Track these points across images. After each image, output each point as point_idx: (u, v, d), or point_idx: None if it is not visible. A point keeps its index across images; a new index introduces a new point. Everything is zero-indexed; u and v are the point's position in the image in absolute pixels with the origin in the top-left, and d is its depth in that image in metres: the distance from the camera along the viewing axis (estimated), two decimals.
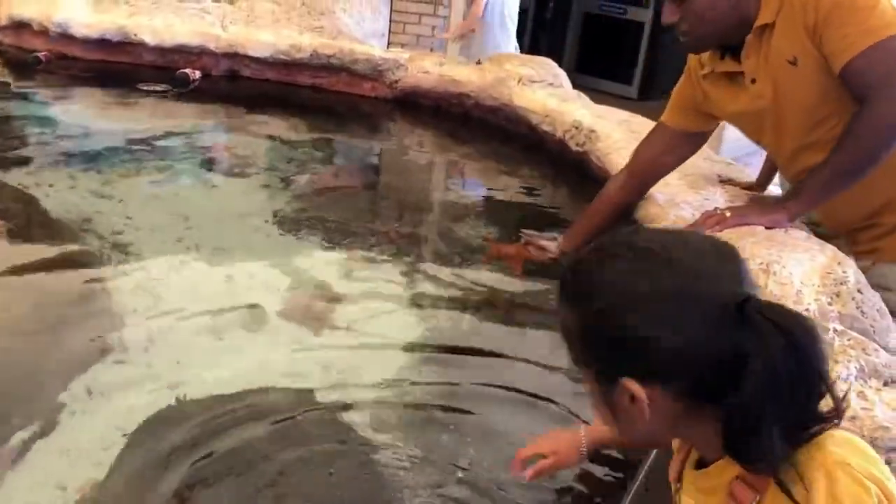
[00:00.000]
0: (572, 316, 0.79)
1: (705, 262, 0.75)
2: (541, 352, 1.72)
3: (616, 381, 0.76)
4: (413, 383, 1.59)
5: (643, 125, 2.70)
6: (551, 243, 2.10)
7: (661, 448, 1.10)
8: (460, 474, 1.33)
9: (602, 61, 8.42)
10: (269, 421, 1.43)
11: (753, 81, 1.60)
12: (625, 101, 7.44)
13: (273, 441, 1.38)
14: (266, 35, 3.65)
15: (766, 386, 0.69)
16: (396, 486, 1.30)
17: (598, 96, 3.54)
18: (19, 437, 1.34)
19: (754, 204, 1.71)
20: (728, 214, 1.58)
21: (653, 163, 1.88)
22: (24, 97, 3.36)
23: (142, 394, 1.48)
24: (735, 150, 5.04)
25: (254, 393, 1.51)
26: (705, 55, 1.69)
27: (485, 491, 1.30)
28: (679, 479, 0.88)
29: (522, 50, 7.13)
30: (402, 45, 6.23)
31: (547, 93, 3.07)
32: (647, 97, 8.03)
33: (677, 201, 1.84)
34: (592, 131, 2.65)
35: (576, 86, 3.35)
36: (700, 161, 2.09)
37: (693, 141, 1.84)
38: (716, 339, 0.71)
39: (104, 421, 1.40)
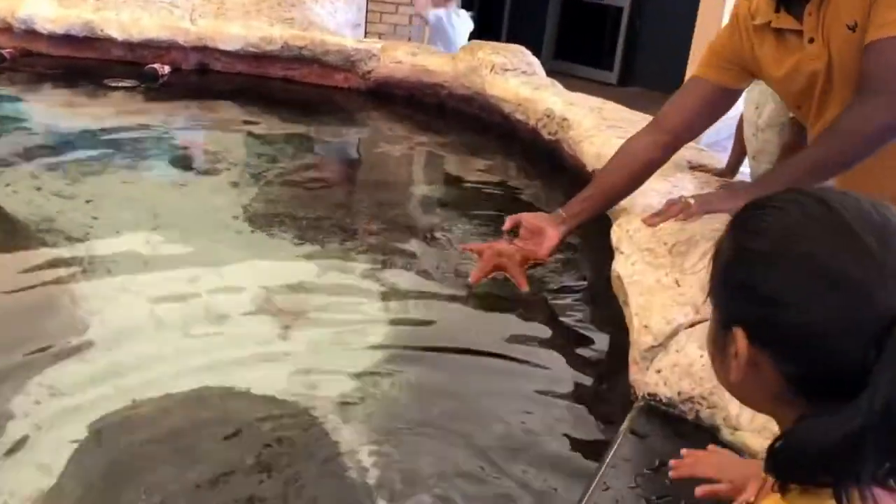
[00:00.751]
0: (727, 245, 0.75)
1: (892, 259, 0.65)
2: (519, 347, 1.69)
3: (731, 326, 0.72)
4: (383, 379, 1.57)
5: (615, 111, 2.69)
6: (549, 224, 1.80)
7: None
8: (432, 467, 1.32)
9: (582, 48, 8.42)
10: (237, 421, 1.41)
11: (811, 41, 1.51)
12: (605, 87, 7.44)
13: (242, 441, 1.36)
14: (236, 28, 3.60)
15: (880, 415, 0.62)
16: (366, 484, 1.29)
17: (579, 83, 3.53)
18: None
19: (720, 191, 1.70)
20: (692, 202, 1.57)
21: (688, 119, 1.74)
22: None
23: (106, 397, 1.45)
24: (713, 135, 5.03)
25: (220, 393, 1.49)
26: (758, 4, 1.58)
27: (462, 483, 1.28)
28: None
29: (501, 38, 7.09)
30: (380, 35, 6.18)
31: (520, 81, 3.04)
32: (627, 83, 8.05)
33: (645, 189, 1.82)
34: (564, 119, 2.63)
35: (556, 73, 3.33)
36: None
37: (728, 98, 1.73)
38: (847, 340, 0.64)
39: (66, 425, 1.37)
